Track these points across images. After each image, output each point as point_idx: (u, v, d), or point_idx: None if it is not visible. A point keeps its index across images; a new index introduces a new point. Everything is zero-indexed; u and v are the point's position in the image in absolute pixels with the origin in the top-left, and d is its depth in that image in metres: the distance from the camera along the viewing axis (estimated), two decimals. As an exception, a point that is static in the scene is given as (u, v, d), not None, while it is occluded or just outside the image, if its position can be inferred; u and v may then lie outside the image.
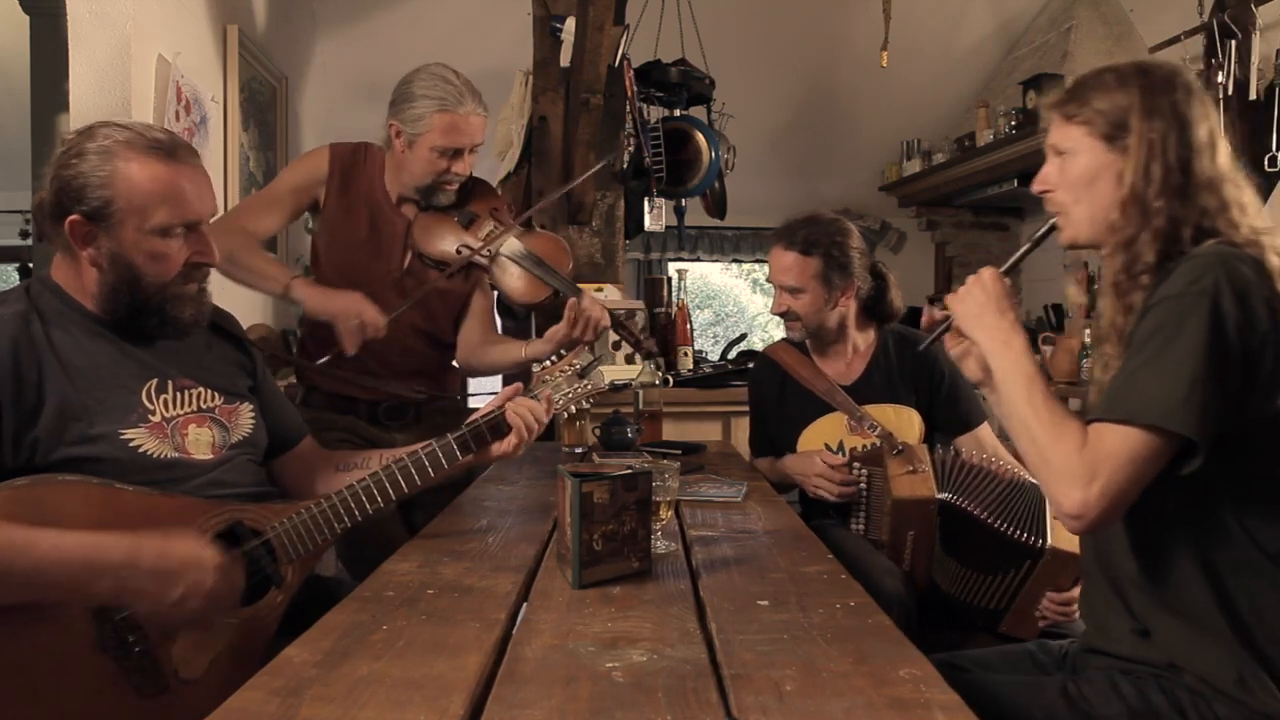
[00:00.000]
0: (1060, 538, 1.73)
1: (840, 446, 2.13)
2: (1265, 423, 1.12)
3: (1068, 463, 1.12)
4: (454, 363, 2.29)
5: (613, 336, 2.77)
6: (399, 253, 2.12)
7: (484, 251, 2.10)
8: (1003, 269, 1.34)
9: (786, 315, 2.19)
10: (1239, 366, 1.09)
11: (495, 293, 2.32)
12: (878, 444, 1.98)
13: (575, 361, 1.61)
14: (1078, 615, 1.70)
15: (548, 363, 1.62)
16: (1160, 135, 1.18)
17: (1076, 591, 1.74)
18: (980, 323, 1.28)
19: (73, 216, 1.30)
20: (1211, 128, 1.21)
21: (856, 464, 1.99)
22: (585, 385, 1.60)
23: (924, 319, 1.45)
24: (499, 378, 4.81)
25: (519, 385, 1.58)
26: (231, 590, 1.25)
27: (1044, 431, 1.16)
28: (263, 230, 2.09)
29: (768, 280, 2.22)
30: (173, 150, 1.35)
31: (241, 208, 2.14)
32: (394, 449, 1.60)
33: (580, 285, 2.23)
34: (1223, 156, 1.21)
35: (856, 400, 2.10)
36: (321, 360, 2.02)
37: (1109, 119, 1.21)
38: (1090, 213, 1.24)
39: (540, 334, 2.16)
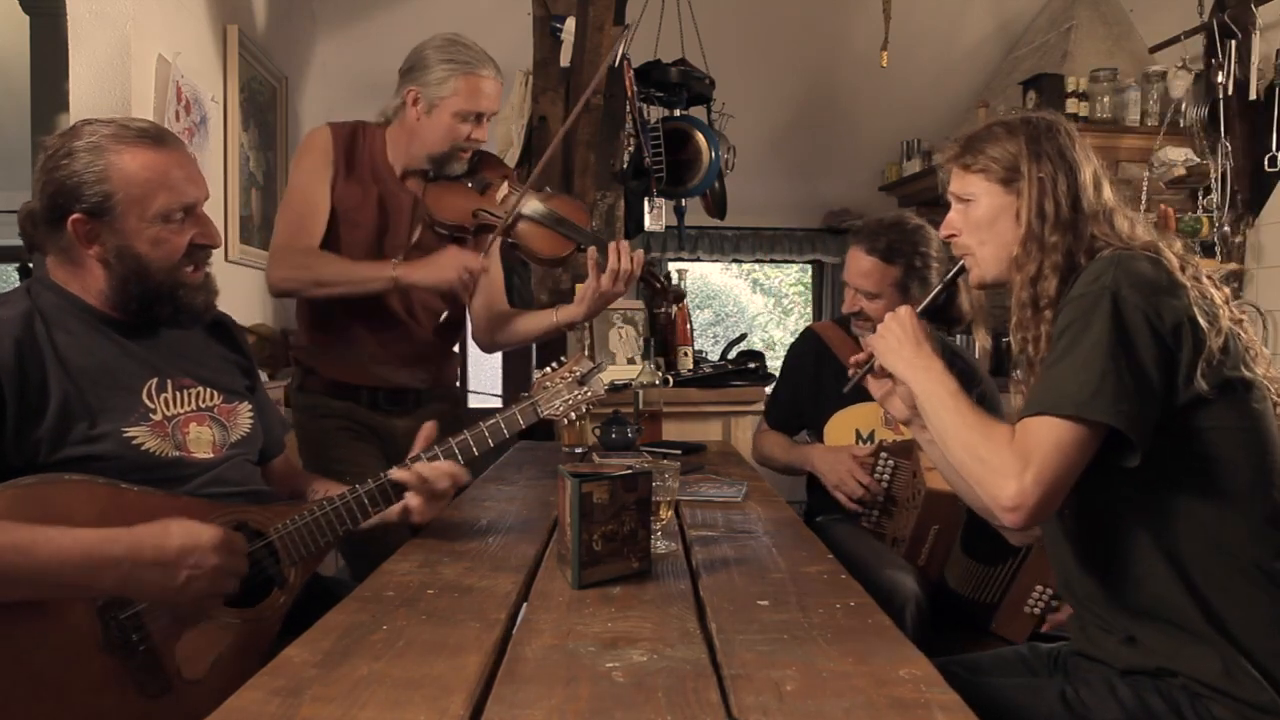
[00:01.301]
0: None
1: (871, 436, 2.14)
2: (1198, 406, 1.15)
3: (1000, 457, 1.16)
4: (464, 346, 2.26)
5: (617, 319, 2.75)
6: (406, 227, 2.08)
7: (503, 213, 2.06)
8: (919, 309, 1.45)
9: (858, 315, 2.18)
10: (1153, 354, 1.13)
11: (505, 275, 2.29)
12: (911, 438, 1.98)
13: (576, 368, 1.60)
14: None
15: (549, 369, 1.61)
16: (1049, 175, 1.28)
17: None
18: (900, 355, 1.37)
19: (74, 215, 1.31)
20: (1095, 169, 1.31)
21: (885, 454, 1.99)
22: (585, 392, 1.59)
23: (851, 361, 1.53)
24: (499, 379, 4.87)
25: (433, 426, 1.50)
26: (235, 564, 1.23)
27: (973, 434, 1.21)
28: (317, 236, 2.01)
29: (842, 279, 2.21)
30: (160, 138, 1.37)
31: (285, 232, 2.04)
32: (322, 482, 1.61)
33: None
34: (1108, 193, 1.31)
35: None
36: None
37: (1002, 164, 1.31)
38: (995, 252, 1.34)
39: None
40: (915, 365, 1.35)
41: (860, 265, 2.13)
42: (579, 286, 2.06)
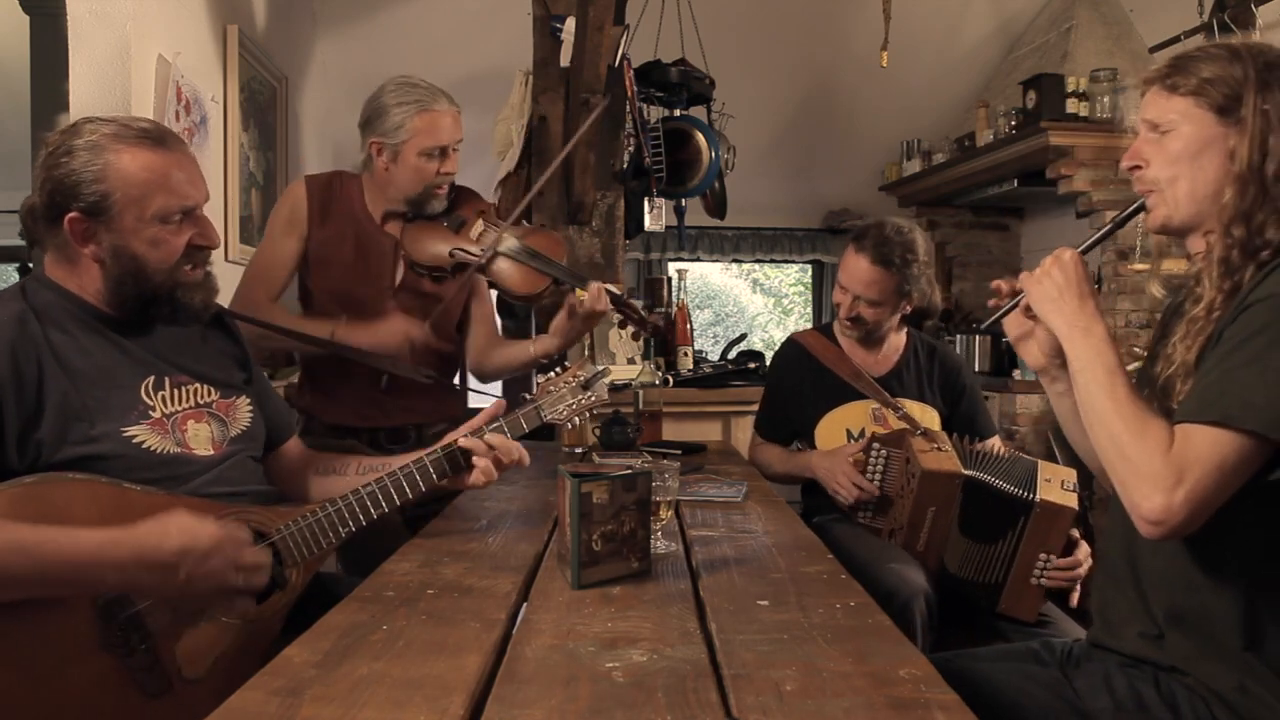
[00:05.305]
0: (1051, 492, 1.74)
1: (861, 434, 2.16)
2: None
3: (1151, 464, 1.04)
4: (468, 370, 2.31)
5: (616, 317, 2.78)
6: (389, 270, 2.11)
7: (479, 251, 2.10)
8: (1081, 249, 1.25)
9: (854, 320, 2.21)
10: None
11: (494, 294, 2.32)
12: (903, 427, 2.02)
13: (580, 373, 1.62)
14: (1080, 581, 1.73)
15: (553, 374, 1.63)
16: (1278, 110, 1.09)
17: (1079, 556, 1.76)
18: (1059, 307, 1.19)
19: (71, 214, 1.30)
20: None
21: (877, 445, 2.01)
22: (589, 397, 1.61)
23: (995, 286, 1.34)
24: (501, 387, 4.87)
25: (502, 403, 1.58)
26: (238, 561, 1.22)
27: (1127, 428, 1.08)
28: (277, 290, 2.08)
29: (839, 283, 2.23)
30: (160, 138, 1.36)
31: (249, 281, 2.10)
32: (373, 457, 1.65)
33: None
34: None
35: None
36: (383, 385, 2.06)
37: (1220, 90, 1.12)
38: (1191, 189, 1.15)
39: (541, 333, 2.16)
40: (1075, 325, 1.16)
41: (865, 274, 2.16)
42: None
